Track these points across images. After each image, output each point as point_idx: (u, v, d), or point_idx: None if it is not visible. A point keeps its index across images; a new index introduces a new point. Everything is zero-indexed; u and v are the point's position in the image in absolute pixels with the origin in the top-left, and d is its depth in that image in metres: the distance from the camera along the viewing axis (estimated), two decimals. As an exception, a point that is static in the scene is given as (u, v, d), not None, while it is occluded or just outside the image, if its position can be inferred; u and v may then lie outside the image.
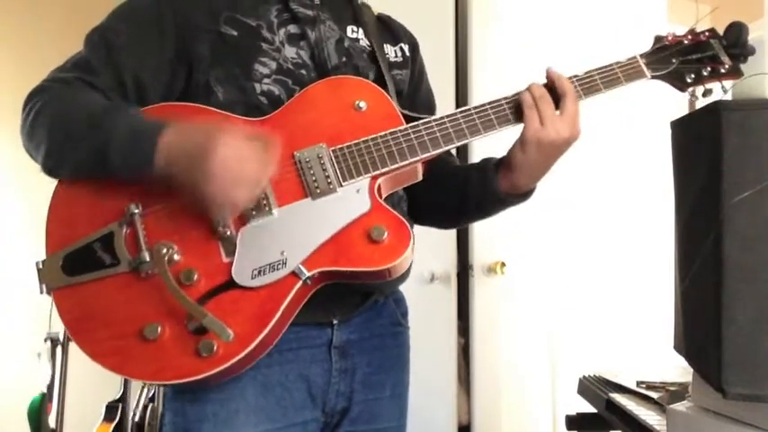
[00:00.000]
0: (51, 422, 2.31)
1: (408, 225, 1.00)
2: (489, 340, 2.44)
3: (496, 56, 2.45)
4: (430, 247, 2.34)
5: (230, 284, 0.96)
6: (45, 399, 2.28)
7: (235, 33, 1.07)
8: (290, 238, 0.98)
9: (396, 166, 1.04)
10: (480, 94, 2.34)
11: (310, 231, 0.99)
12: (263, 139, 0.97)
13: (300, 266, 0.96)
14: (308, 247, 0.98)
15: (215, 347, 0.93)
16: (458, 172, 1.23)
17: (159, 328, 0.94)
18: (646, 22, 2.52)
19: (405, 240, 0.99)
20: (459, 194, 1.20)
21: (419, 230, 1.29)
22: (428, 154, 1.05)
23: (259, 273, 0.96)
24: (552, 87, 1.08)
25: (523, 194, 1.14)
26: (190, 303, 0.93)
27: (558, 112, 1.07)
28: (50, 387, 2.30)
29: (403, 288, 1.25)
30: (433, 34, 2.39)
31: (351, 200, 1.01)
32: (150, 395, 2.25)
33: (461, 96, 2.45)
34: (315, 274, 0.97)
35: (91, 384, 2.05)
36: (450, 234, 2.42)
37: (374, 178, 1.03)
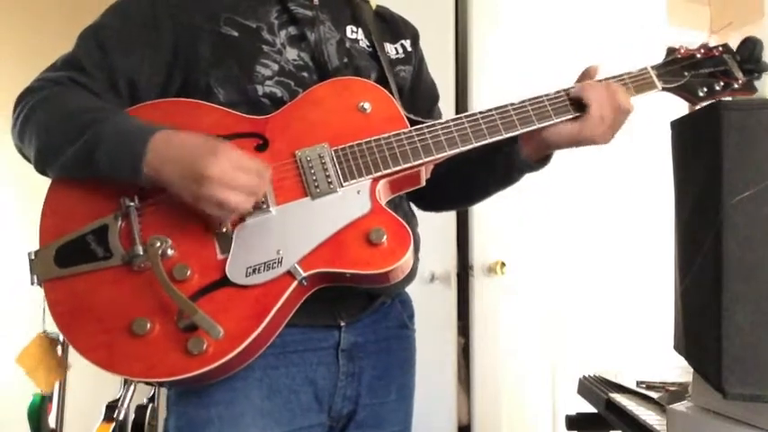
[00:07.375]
0: (51, 422, 2.30)
1: (409, 229, 0.98)
2: (489, 340, 2.44)
3: (497, 56, 2.44)
4: (430, 247, 2.33)
5: (224, 282, 0.95)
6: (45, 399, 2.28)
7: (236, 34, 1.06)
8: (288, 237, 0.97)
9: (398, 168, 1.02)
10: (480, 94, 2.33)
11: (308, 231, 0.97)
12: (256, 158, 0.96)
13: (296, 266, 0.95)
14: (306, 247, 0.96)
15: (205, 345, 0.91)
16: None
17: (148, 324, 0.92)
18: (645, 24, 2.52)
19: (404, 244, 0.96)
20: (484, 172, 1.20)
21: (420, 230, 1.29)
22: (432, 157, 1.04)
23: (254, 271, 0.95)
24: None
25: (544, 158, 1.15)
26: (181, 299, 0.91)
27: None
28: (50, 387, 2.30)
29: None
30: (433, 34, 2.40)
31: (351, 201, 0.99)
32: (150, 395, 2.25)
33: (461, 96, 2.44)
34: (311, 275, 0.95)
35: (91, 384, 2.04)
36: (451, 234, 2.43)
37: (375, 180, 1.01)
